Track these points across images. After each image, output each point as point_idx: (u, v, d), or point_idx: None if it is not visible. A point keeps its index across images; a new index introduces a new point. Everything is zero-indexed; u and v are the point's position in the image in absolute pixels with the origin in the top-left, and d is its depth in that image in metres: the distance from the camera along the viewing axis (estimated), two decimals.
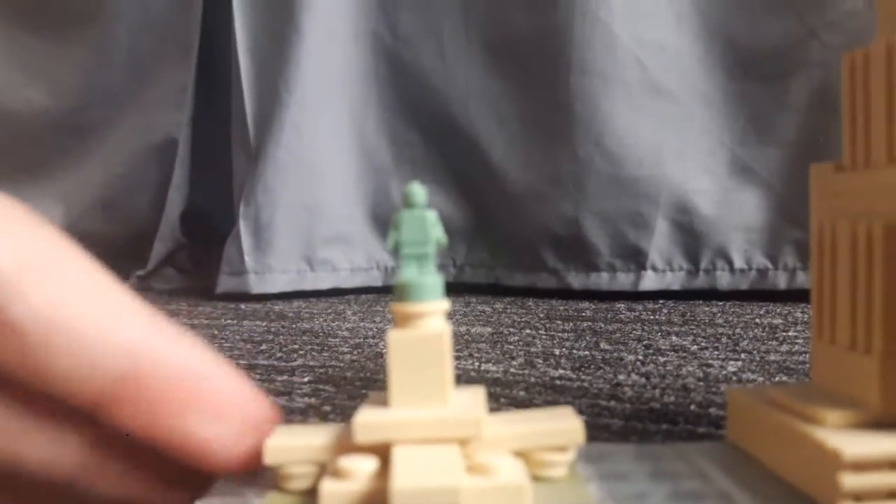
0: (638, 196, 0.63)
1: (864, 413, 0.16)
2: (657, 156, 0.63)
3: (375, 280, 0.75)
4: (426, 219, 0.18)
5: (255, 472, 0.19)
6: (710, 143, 0.63)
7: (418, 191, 0.19)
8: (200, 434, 0.17)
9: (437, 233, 0.18)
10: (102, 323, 0.17)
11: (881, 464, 0.14)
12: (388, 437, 0.17)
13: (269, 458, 0.18)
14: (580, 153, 0.65)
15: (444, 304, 0.18)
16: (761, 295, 0.61)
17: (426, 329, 0.18)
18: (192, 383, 0.17)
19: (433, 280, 0.18)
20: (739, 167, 0.63)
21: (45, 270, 0.17)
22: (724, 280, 0.62)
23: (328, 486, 0.16)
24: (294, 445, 0.18)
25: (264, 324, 0.58)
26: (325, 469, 0.17)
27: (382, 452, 0.17)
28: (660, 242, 0.63)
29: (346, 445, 0.17)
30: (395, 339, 0.18)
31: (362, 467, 0.16)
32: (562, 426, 0.18)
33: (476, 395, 0.19)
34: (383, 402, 0.18)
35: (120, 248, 0.87)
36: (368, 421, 0.17)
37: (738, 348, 0.43)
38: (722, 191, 0.63)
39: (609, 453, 0.20)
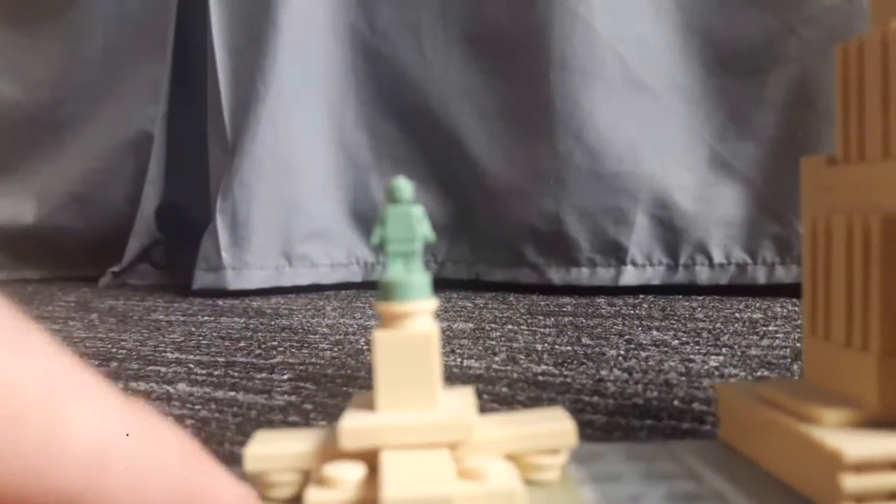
0: (618, 191, 0.63)
1: (861, 412, 0.16)
2: (637, 151, 0.63)
3: (355, 276, 0.74)
4: (412, 215, 0.18)
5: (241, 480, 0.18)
6: (690, 138, 0.63)
7: (404, 185, 0.18)
8: None
9: (424, 229, 0.18)
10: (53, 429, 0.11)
11: (882, 465, 0.14)
12: (375, 442, 0.16)
13: (250, 466, 0.17)
14: (560, 149, 0.64)
15: (432, 303, 0.18)
16: (740, 290, 0.61)
17: (413, 329, 0.17)
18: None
19: (420, 278, 0.18)
20: (718, 162, 0.63)
21: None
22: (703, 275, 0.62)
23: (313, 496, 0.16)
24: (276, 452, 0.17)
25: (242, 320, 0.57)
26: (310, 476, 0.17)
27: (369, 458, 0.16)
28: (639, 238, 0.63)
29: (331, 451, 0.17)
30: (382, 340, 0.17)
31: (349, 475, 0.16)
32: (554, 428, 0.17)
33: (465, 397, 0.18)
34: (369, 405, 0.17)
35: (94, 243, 0.86)
36: (354, 426, 0.16)
37: (718, 343, 0.43)
38: (701, 186, 0.63)
39: (600, 453, 0.20)
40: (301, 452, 0.17)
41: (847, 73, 0.18)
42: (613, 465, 0.19)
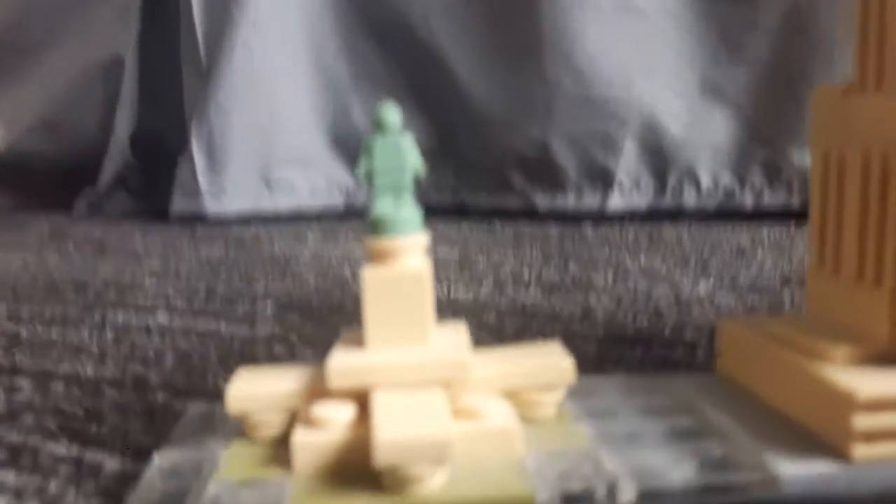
0: (607, 117, 0.62)
1: (871, 347, 0.15)
2: (627, 76, 0.61)
3: (336, 202, 0.73)
4: (401, 145, 0.17)
5: (221, 418, 0.17)
6: (680, 62, 0.61)
7: (391, 114, 0.17)
8: None
9: (414, 160, 0.17)
10: None
11: (894, 403, 0.14)
12: (365, 382, 0.16)
13: (233, 406, 0.16)
14: (549, 73, 0.62)
15: (423, 239, 0.17)
16: (727, 215, 0.61)
17: (404, 266, 0.16)
18: None
19: (410, 213, 0.17)
20: (709, 87, 0.61)
21: None
22: (690, 200, 0.62)
23: (301, 437, 0.15)
24: (259, 392, 0.16)
25: (222, 248, 0.56)
26: (297, 416, 0.16)
27: (359, 398, 0.16)
28: (628, 163, 0.62)
29: (319, 390, 0.16)
30: (371, 278, 0.16)
31: (338, 416, 0.15)
32: (552, 365, 0.17)
33: (458, 333, 0.17)
34: (358, 342, 0.17)
35: (68, 169, 0.83)
36: (343, 365, 0.16)
37: (707, 270, 0.43)
38: (691, 111, 0.62)
39: (595, 388, 0.19)
40: (286, 392, 0.16)
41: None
42: (609, 400, 0.18)
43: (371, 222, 0.16)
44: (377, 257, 0.16)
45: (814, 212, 0.18)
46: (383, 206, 0.17)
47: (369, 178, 0.17)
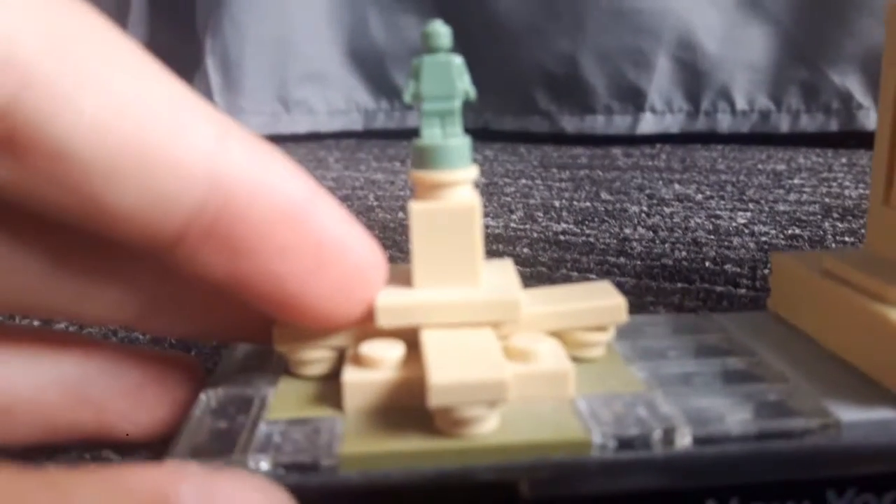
0: (639, 31, 0.59)
1: None
2: None
3: (356, 123, 0.72)
4: (452, 66, 0.16)
5: (264, 356, 0.17)
6: None
7: (441, 30, 0.16)
8: (298, 283, 0.14)
9: (465, 84, 0.16)
10: (176, 135, 0.12)
11: None
12: (415, 321, 0.15)
13: (279, 345, 0.16)
14: None
15: (473, 172, 0.16)
16: (761, 139, 0.59)
17: (453, 201, 0.15)
18: (293, 220, 0.13)
19: (460, 143, 0.16)
20: (748, 1, 0.59)
21: (86, 59, 0.12)
22: (724, 122, 0.60)
23: (351, 376, 0.15)
24: (307, 330, 0.16)
25: None
26: (345, 355, 0.16)
27: (406, 336, 0.15)
28: (660, 82, 0.60)
29: (366, 329, 0.16)
30: (419, 213, 0.15)
31: (388, 355, 0.15)
32: (604, 304, 0.16)
33: (506, 271, 0.17)
34: (404, 280, 0.16)
35: None
36: (392, 303, 0.15)
37: (744, 197, 0.42)
38: (728, 26, 0.59)
39: (644, 327, 0.19)
40: (334, 330, 0.16)
41: None
42: (659, 339, 0.18)
43: (418, 153, 0.16)
44: (424, 191, 0.16)
45: (883, 141, 0.17)
46: (430, 135, 0.16)
47: (416, 102, 0.16)
